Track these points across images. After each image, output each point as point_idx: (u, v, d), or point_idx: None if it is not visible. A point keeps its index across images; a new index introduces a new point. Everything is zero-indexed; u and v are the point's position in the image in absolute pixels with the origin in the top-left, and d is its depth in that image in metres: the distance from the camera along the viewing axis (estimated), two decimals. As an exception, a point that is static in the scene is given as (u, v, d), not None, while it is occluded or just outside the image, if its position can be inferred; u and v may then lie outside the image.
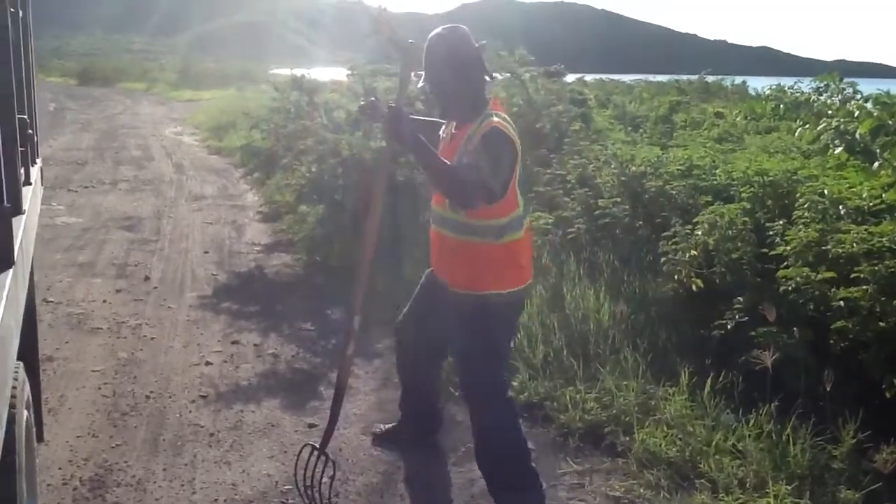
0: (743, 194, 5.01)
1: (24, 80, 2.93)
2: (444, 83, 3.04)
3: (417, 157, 3.00)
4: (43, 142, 14.44)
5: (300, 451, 3.20)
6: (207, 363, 4.50)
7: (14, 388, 1.98)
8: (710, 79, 18.42)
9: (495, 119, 2.92)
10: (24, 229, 2.16)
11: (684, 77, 19.49)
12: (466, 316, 3.04)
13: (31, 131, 2.93)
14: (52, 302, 5.46)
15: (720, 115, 11.10)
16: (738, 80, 21.28)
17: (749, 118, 10.91)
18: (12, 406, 1.92)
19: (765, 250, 4.39)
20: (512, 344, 3.35)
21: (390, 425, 3.71)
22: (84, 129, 17.09)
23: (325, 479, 3.09)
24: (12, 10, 2.75)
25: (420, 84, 3.15)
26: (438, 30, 3.09)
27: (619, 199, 5.58)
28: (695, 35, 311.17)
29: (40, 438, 3.29)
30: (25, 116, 2.81)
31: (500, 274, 3.01)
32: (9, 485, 1.82)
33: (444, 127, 3.26)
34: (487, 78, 3.09)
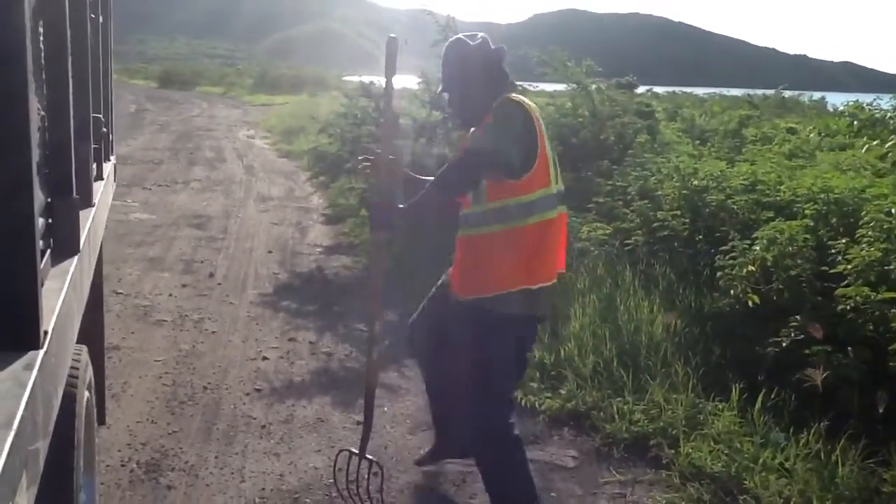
0: (806, 211, 4.91)
1: (101, 81, 3.10)
2: (462, 89, 3.00)
3: (415, 211, 2.93)
4: (122, 142, 15.04)
5: (336, 457, 3.21)
6: (264, 358, 4.64)
7: (76, 368, 2.11)
8: (786, 94, 18.01)
9: (507, 97, 2.87)
10: (92, 221, 2.29)
11: (760, 92, 19.11)
12: (480, 334, 2.86)
13: (104, 129, 3.10)
14: (121, 294, 5.70)
15: (793, 130, 10.84)
16: (817, 95, 20.76)
17: (823, 134, 10.62)
18: (73, 385, 2.05)
19: (825, 268, 4.31)
20: (524, 366, 3.18)
21: (429, 449, 3.56)
22: (161, 131, 17.71)
23: (371, 480, 3.14)
24: (93, 16, 2.93)
25: (439, 90, 3.16)
26: (457, 37, 3.07)
27: (678, 212, 5.53)
28: (774, 49, 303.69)
29: (102, 422, 3.47)
30: (100, 115, 2.97)
31: (528, 264, 2.81)
32: (66, 459, 1.93)
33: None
34: (510, 83, 3.05)
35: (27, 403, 1.06)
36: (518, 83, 7.65)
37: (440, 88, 3.15)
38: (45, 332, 1.28)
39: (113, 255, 6.65)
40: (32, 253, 1.23)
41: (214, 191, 10.43)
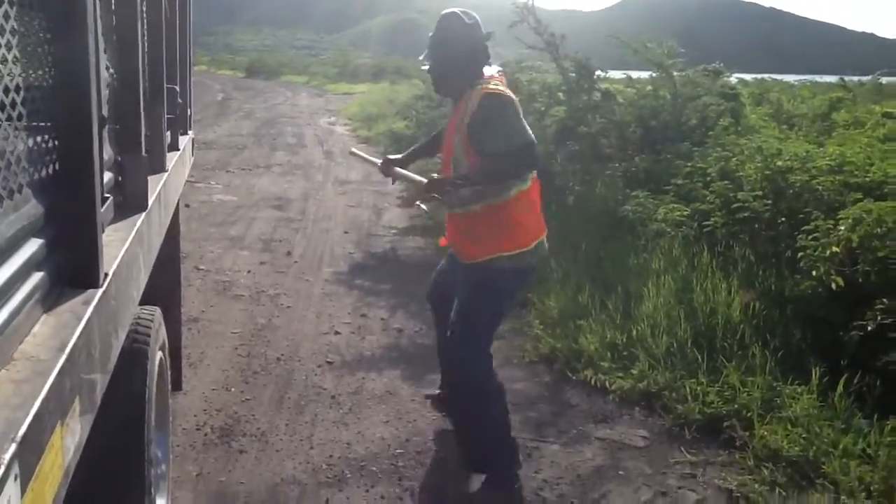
0: (898, 191, 4.67)
1: (177, 55, 3.18)
2: (449, 63, 3.13)
3: (466, 191, 3.06)
4: (208, 128, 15.44)
5: None
6: (336, 333, 4.72)
7: (148, 328, 2.18)
8: (884, 80, 17.15)
9: (484, 86, 3.01)
10: (163, 185, 2.36)
11: (857, 78, 18.25)
12: (475, 282, 3.11)
13: (181, 101, 3.18)
14: (202, 269, 5.88)
15: (889, 115, 10.31)
16: (919, 81, 19.73)
17: (923, 119, 10.07)
18: (145, 343, 2.12)
19: (916, 250, 4.09)
20: (505, 312, 3.34)
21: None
22: (246, 118, 18.15)
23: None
24: (169, -10, 3.01)
25: (421, 57, 3.23)
26: (453, 10, 3.15)
27: (760, 193, 5.34)
28: (872, 34, 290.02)
29: (178, 387, 3.59)
30: (176, 87, 3.06)
31: (508, 234, 3.06)
32: (138, 411, 2.00)
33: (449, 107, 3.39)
34: (489, 63, 3.18)
35: (82, 333, 1.10)
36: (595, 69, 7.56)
37: (424, 54, 3.23)
38: (106, 275, 1.33)
39: (196, 234, 6.87)
40: (92, 199, 1.27)
41: (294, 174, 10.64)
